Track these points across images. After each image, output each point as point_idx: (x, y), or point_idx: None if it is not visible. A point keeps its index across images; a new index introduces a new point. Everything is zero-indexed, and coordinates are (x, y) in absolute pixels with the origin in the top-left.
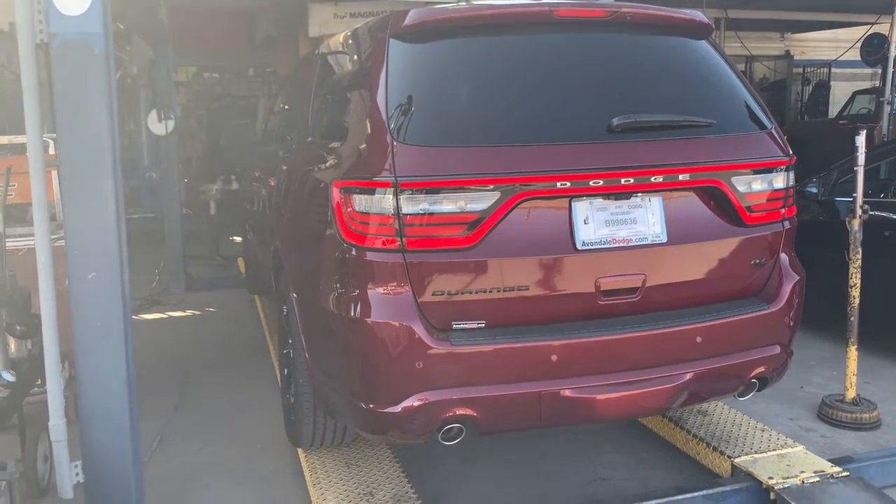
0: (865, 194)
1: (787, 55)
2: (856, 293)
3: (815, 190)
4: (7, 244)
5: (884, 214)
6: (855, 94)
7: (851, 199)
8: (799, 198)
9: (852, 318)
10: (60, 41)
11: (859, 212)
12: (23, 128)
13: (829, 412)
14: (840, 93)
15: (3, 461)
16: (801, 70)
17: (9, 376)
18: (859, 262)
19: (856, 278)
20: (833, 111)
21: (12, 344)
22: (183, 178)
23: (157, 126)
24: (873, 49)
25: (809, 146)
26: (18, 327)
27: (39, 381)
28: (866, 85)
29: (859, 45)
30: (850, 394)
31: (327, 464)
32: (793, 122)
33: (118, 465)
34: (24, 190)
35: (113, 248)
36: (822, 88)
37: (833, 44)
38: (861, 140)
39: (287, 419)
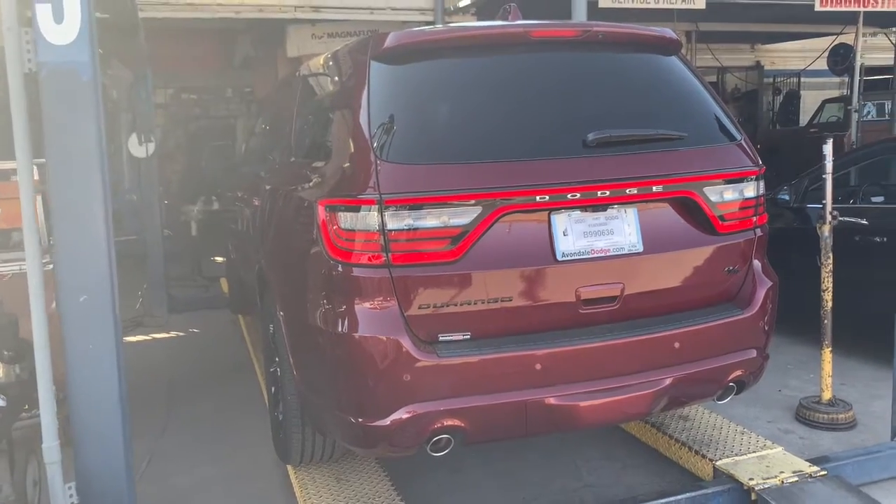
0: (836, 200)
1: (758, 66)
2: (828, 297)
3: (786, 197)
4: None
5: (853, 220)
6: (824, 102)
7: (821, 206)
8: (771, 205)
9: (826, 321)
10: (48, 70)
11: (829, 218)
12: (7, 155)
13: (807, 414)
14: (810, 101)
15: None
16: (771, 80)
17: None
18: (831, 266)
19: (828, 282)
20: (804, 120)
21: (0, 369)
22: (163, 199)
23: (138, 149)
24: (840, 59)
25: (781, 154)
26: (6, 352)
27: (27, 406)
28: (835, 93)
29: (826, 55)
30: (826, 395)
31: (317, 480)
32: (765, 131)
33: (112, 485)
34: (7, 215)
35: (104, 270)
36: (793, 98)
37: (802, 54)
38: (828, 148)
39: (276, 437)
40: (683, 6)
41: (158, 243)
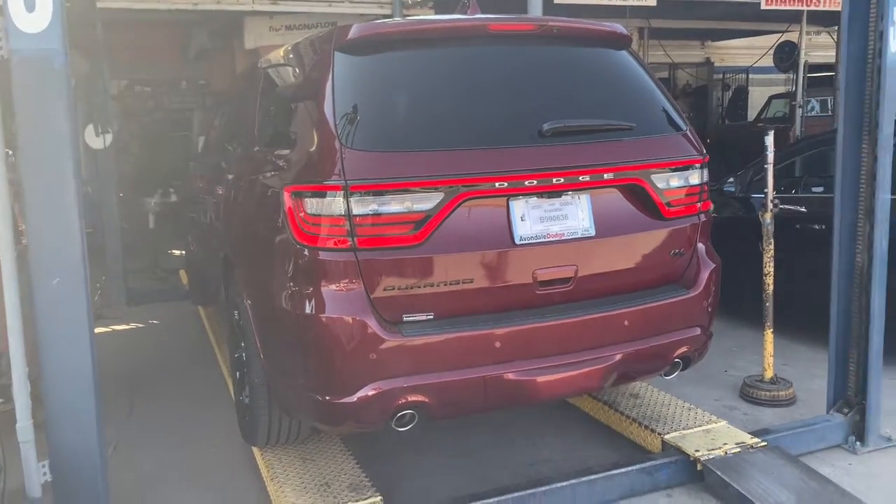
0: (779, 190)
1: (708, 62)
2: (769, 281)
3: (732, 188)
4: None
5: (792, 208)
6: (770, 98)
7: (763, 195)
8: (718, 195)
9: (767, 304)
10: (20, 57)
11: (770, 206)
12: None
13: (750, 391)
14: (758, 97)
15: None
16: (721, 76)
17: None
18: (772, 252)
19: (769, 267)
20: (752, 115)
21: None
22: (118, 192)
23: (95, 140)
24: (785, 56)
25: (730, 148)
26: None
27: None
28: (781, 90)
29: (772, 52)
30: (768, 374)
31: (283, 460)
32: (714, 125)
33: (86, 462)
34: None
35: (76, 254)
36: (741, 93)
37: (750, 51)
38: (769, 140)
39: (241, 420)
40: (635, 3)
41: (116, 235)
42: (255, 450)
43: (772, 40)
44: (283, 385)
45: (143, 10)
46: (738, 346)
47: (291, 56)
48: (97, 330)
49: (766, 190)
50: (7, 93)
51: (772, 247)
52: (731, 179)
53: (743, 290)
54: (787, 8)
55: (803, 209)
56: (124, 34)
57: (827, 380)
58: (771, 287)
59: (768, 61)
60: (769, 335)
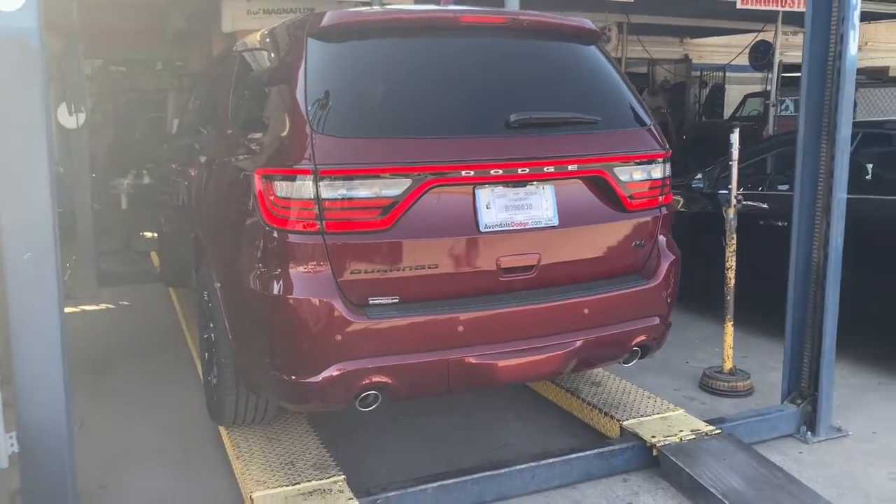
0: (747, 187)
1: (686, 59)
2: (731, 275)
3: (701, 184)
4: None
5: (754, 204)
6: (746, 97)
7: (727, 191)
8: (686, 191)
9: (728, 297)
10: None
11: (734, 201)
12: None
13: (709, 382)
14: (734, 95)
15: None
16: (699, 73)
17: None
18: (734, 246)
19: (731, 261)
20: (728, 112)
21: None
22: (90, 172)
23: (68, 119)
24: (760, 55)
25: (706, 144)
26: None
27: None
28: (758, 88)
29: (748, 51)
30: (727, 365)
31: (249, 439)
32: (691, 122)
33: (52, 434)
34: None
35: (47, 229)
36: (718, 91)
37: (727, 49)
38: (735, 137)
39: (209, 400)
40: None
41: (88, 216)
42: (221, 429)
43: (748, 39)
44: (250, 364)
45: None
46: (700, 338)
47: (266, 41)
48: (67, 310)
49: (730, 186)
50: None
51: (734, 242)
52: (700, 176)
53: (707, 284)
54: (763, 8)
55: (765, 206)
56: (100, 14)
57: (782, 371)
58: (732, 281)
59: (745, 60)
60: (729, 327)
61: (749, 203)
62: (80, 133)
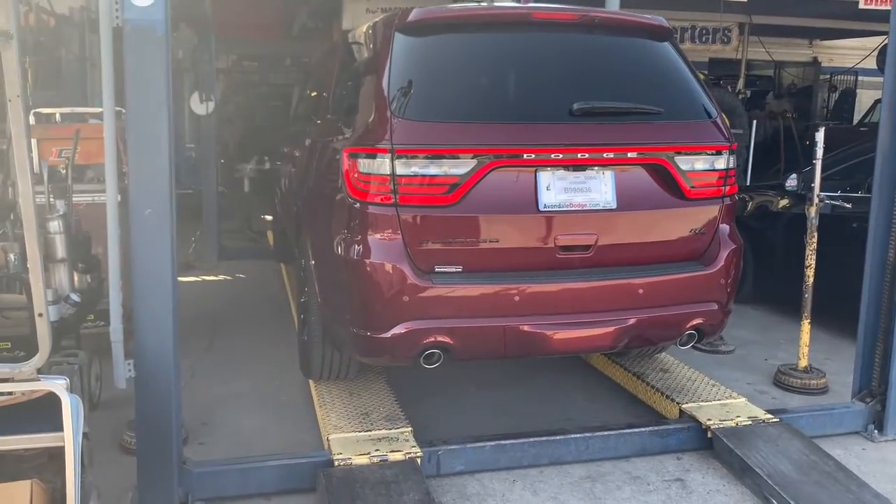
0: (845, 189)
1: (815, 62)
2: (810, 273)
3: (794, 185)
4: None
5: (837, 203)
6: (876, 102)
7: (825, 192)
8: (780, 191)
9: (806, 295)
10: (131, 26)
11: (816, 200)
12: (74, 103)
13: (783, 378)
14: (866, 100)
15: (74, 352)
16: (828, 77)
17: (76, 297)
18: (814, 245)
19: (811, 259)
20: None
21: (76, 277)
22: (220, 158)
23: (199, 107)
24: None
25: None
26: (81, 264)
27: (93, 317)
28: None
29: (876, 53)
30: (803, 363)
31: (332, 392)
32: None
33: (163, 365)
34: (85, 154)
35: (165, 190)
36: (849, 96)
37: (862, 52)
38: (820, 136)
39: (302, 356)
40: None
41: (213, 196)
42: (310, 382)
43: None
44: (333, 322)
45: None
46: (786, 339)
47: (363, 35)
48: (189, 279)
49: (812, 185)
50: (120, 60)
51: (815, 240)
52: (794, 175)
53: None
54: (886, 8)
55: (849, 205)
56: (233, 12)
57: (853, 369)
58: (811, 279)
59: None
60: (806, 325)
61: (833, 203)
62: (210, 120)
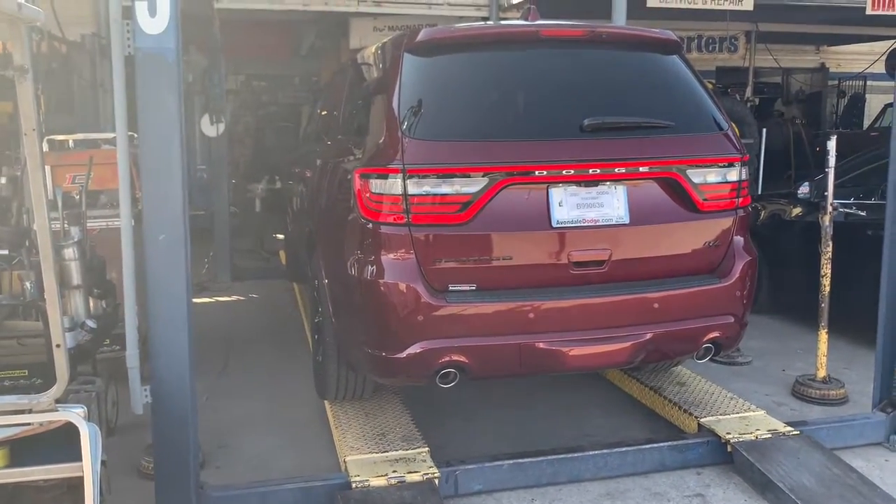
0: (859, 196)
1: (823, 68)
2: (826, 282)
3: (807, 193)
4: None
5: (851, 211)
6: (885, 106)
7: (837, 200)
8: (793, 199)
9: (823, 305)
10: (143, 54)
11: (829, 209)
12: (86, 128)
13: (801, 389)
14: (876, 105)
15: (91, 379)
16: (836, 83)
17: (92, 323)
18: (829, 254)
19: (826, 268)
20: (868, 124)
21: (91, 302)
22: (231, 178)
23: (210, 128)
24: None
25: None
26: (96, 290)
27: (108, 341)
28: None
29: (884, 58)
30: (821, 373)
31: (349, 412)
32: (826, 134)
33: (179, 390)
34: (99, 179)
35: (179, 215)
36: (858, 101)
37: (870, 57)
38: (832, 144)
39: (317, 377)
40: (731, 7)
41: (225, 216)
42: (326, 403)
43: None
44: (348, 342)
45: (257, 11)
46: (803, 349)
47: (373, 55)
48: (203, 300)
49: (825, 193)
50: (132, 86)
51: (829, 249)
52: (806, 184)
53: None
54: (893, 13)
55: (863, 213)
56: (242, 33)
57: (873, 378)
58: (827, 288)
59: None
60: (823, 335)
61: (848, 211)
62: (221, 141)
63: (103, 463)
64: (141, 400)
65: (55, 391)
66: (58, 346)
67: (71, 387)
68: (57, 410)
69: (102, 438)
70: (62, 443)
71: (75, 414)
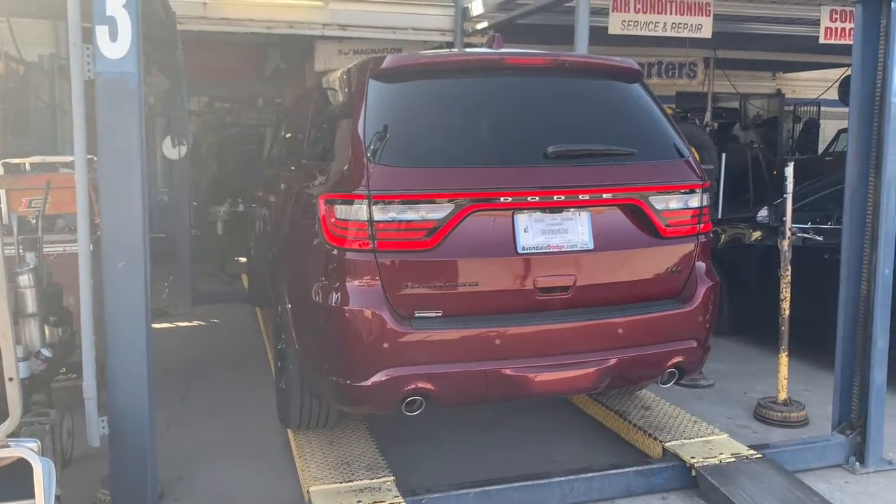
0: (815, 221)
1: (779, 94)
2: (786, 305)
3: (765, 218)
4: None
5: (808, 236)
6: (839, 132)
7: (792, 225)
8: (752, 224)
9: (783, 328)
10: (103, 78)
11: (788, 233)
12: (43, 150)
13: (763, 412)
14: (830, 130)
15: (45, 411)
16: (792, 108)
17: (47, 352)
18: (789, 277)
19: (786, 292)
20: (822, 148)
21: (47, 330)
22: (193, 201)
23: (171, 151)
24: (850, 89)
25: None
26: (52, 318)
27: (64, 370)
28: None
29: (837, 85)
30: (782, 395)
31: (312, 441)
32: (782, 159)
33: (137, 420)
34: (56, 203)
35: (138, 242)
36: (812, 126)
37: (824, 84)
38: (789, 171)
39: (279, 405)
40: (691, 34)
41: (186, 240)
42: (289, 432)
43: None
44: (312, 370)
45: (221, 32)
46: (764, 371)
47: (338, 81)
48: (162, 326)
49: (784, 218)
50: (91, 107)
51: (789, 273)
52: (765, 208)
53: (777, 318)
54: (846, 42)
55: (819, 237)
56: (205, 55)
57: (832, 402)
58: (787, 312)
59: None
60: (784, 358)
61: (805, 235)
62: (182, 163)
63: (58, 498)
64: (98, 432)
65: (7, 426)
66: (10, 379)
67: (25, 419)
68: (9, 447)
69: (57, 472)
70: (15, 478)
71: (28, 449)
